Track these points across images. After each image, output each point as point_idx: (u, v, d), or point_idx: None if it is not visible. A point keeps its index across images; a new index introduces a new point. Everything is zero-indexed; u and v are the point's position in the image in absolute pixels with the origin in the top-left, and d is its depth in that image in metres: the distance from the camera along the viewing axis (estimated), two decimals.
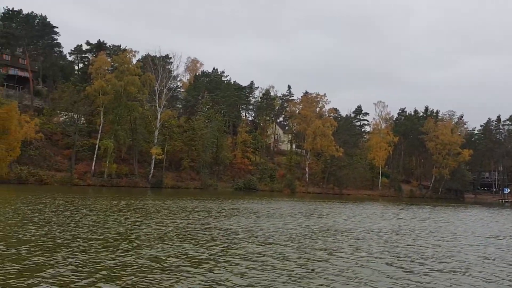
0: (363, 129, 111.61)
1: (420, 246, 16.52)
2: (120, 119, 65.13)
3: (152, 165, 67.88)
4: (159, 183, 66.75)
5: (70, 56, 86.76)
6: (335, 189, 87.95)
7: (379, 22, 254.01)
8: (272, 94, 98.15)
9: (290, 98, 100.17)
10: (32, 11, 75.37)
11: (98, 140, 62.54)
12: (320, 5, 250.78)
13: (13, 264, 10.13)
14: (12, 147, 51.91)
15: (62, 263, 10.46)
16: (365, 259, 12.78)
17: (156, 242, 14.14)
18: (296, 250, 13.74)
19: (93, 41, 78.99)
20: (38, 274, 9.27)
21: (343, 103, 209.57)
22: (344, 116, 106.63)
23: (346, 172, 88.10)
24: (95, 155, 61.74)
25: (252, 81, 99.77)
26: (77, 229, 16.15)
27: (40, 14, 76.40)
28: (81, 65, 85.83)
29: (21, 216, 19.34)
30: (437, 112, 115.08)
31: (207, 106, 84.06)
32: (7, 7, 73.75)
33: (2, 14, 70.95)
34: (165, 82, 72.63)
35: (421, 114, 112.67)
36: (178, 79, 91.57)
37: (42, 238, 13.85)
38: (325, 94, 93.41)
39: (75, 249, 12.28)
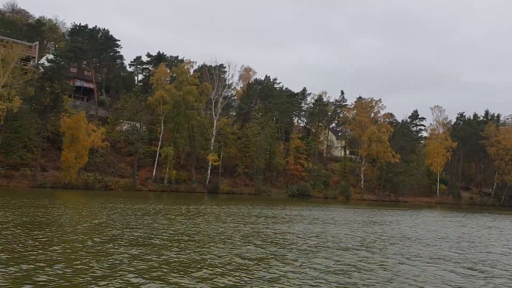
0: (419, 135, 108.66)
1: (493, 253, 16.35)
2: (179, 127, 67.63)
3: (209, 171, 69.79)
4: (215, 189, 68.46)
5: (130, 67, 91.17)
6: (391, 196, 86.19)
7: (436, 23, 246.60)
8: (324, 99, 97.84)
9: (343, 104, 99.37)
10: (96, 26, 79.93)
11: (158, 147, 65.19)
12: (372, 7, 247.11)
13: (106, 258, 11.40)
14: (80, 154, 55.11)
15: (144, 258, 11.64)
16: (443, 265, 12.97)
17: (240, 243, 15.00)
18: (374, 256, 14.10)
19: (153, 52, 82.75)
20: (126, 267, 10.43)
21: (398, 108, 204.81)
22: (400, 121, 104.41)
23: (403, 178, 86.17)
24: (156, 162, 64.39)
25: (305, 87, 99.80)
26: (152, 230, 17.35)
27: (103, 28, 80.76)
28: (140, 75, 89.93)
29: (100, 219, 20.87)
30: (498, 116, 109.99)
31: (260, 113, 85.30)
32: (74, 23, 78.93)
33: (70, 30, 75.94)
34: (220, 91, 74.67)
35: (481, 118, 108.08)
36: (232, 87, 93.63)
37: (123, 237, 15.13)
38: (380, 99, 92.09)
39: (153, 247, 13.44)
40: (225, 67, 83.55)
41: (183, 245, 14.30)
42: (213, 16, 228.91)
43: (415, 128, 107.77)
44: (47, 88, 55.97)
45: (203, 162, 71.73)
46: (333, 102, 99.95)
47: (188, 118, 68.38)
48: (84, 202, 33.86)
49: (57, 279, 9.10)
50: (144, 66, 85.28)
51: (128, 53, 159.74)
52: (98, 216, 22.37)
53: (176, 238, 15.88)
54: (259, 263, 11.79)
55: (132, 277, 9.61)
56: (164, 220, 21.76)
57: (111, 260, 11.28)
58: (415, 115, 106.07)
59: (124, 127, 71.27)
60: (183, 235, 16.84)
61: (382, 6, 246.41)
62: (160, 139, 66.32)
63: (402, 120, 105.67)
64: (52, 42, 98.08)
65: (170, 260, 11.60)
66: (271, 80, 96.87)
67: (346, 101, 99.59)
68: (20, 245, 12.69)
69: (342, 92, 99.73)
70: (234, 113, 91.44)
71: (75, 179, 55.00)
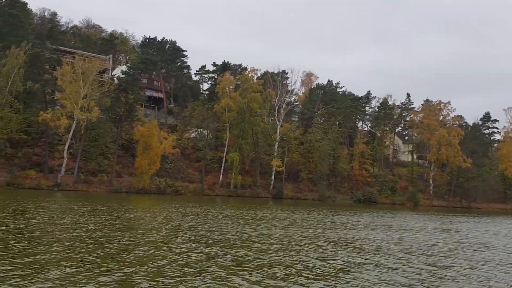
0: (492, 138, 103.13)
1: None
2: (244, 134, 69.24)
3: (273, 177, 70.60)
4: (279, 194, 69.14)
5: (195, 76, 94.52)
6: (463, 202, 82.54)
7: (506, 21, 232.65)
8: (390, 103, 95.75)
9: (409, 107, 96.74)
10: (164, 37, 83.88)
11: (224, 153, 67.09)
12: (438, 6, 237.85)
13: (194, 256, 12.25)
14: (153, 161, 57.89)
15: (228, 257, 12.40)
16: None
17: (312, 247, 15.39)
18: (459, 262, 13.98)
19: (217, 61, 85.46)
20: (214, 265, 11.20)
21: (467, 110, 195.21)
22: (471, 124, 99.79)
23: (475, 184, 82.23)
24: (222, 168, 66.25)
25: (369, 91, 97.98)
26: (229, 232, 18.09)
27: (170, 39, 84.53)
28: (205, 84, 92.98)
29: (180, 222, 21.98)
30: None
31: (323, 118, 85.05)
32: (144, 35, 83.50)
33: (140, 42, 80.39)
34: (283, 97, 75.48)
35: None
36: (294, 93, 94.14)
37: (204, 238, 16.00)
38: (449, 101, 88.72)
39: (233, 247, 14.14)
40: (287, 73, 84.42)
41: (264, 247, 14.89)
42: (271, 22, 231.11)
43: (487, 131, 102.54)
44: (122, 98, 59.55)
45: (267, 168, 72.73)
46: (398, 105, 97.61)
47: (252, 125, 69.83)
48: (160, 206, 35.58)
49: (156, 274, 10.06)
50: (210, 75, 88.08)
51: (191, 62, 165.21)
52: (176, 219, 23.60)
53: (254, 240, 16.55)
54: (347, 267, 12.09)
55: (223, 273, 10.34)
56: (239, 223, 22.58)
57: (199, 258, 12.15)
58: (487, 117, 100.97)
59: (192, 134, 74.02)
60: (261, 237, 17.48)
61: (446, 5, 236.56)
62: (226, 145, 68.19)
63: (473, 123, 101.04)
64: (123, 54, 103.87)
65: (255, 260, 12.26)
66: (334, 85, 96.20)
67: (412, 104, 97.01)
68: (120, 244, 13.91)
69: (408, 95, 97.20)
70: (296, 119, 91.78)
71: (148, 185, 57.79)
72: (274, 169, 69.88)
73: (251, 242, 15.85)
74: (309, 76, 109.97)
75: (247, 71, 76.31)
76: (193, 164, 69.43)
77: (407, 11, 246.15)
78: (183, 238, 16.28)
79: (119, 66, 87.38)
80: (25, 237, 14.21)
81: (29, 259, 10.69)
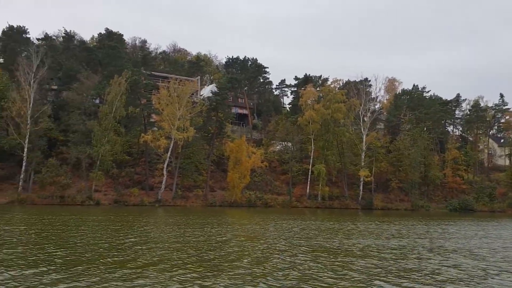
0: None
1: None
2: (329, 145, 69.36)
3: (361, 187, 69.65)
4: (369, 205, 68.00)
5: (275, 90, 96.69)
6: None
7: None
8: (482, 104, 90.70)
9: (503, 108, 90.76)
10: (245, 56, 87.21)
11: (310, 165, 67.69)
12: None
13: (337, 269, 12.99)
14: (243, 175, 60.27)
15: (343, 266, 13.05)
16: None
17: (434, 255, 15.68)
18: None
19: (299, 75, 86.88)
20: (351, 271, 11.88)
21: None
22: None
23: None
24: (308, 179, 66.88)
25: (458, 93, 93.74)
26: (344, 243, 18.76)
27: (252, 57, 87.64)
28: (285, 97, 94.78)
29: (289, 232, 23.05)
30: None
31: (410, 125, 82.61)
32: (227, 56, 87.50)
33: (224, 63, 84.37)
34: (367, 105, 74.56)
35: None
36: (378, 100, 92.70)
37: (307, 248, 16.78)
38: None
39: (358, 257, 14.73)
40: (369, 80, 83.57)
41: (383, 255, 15.65)
42: (343, 29, 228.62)
43: None
44: (213, 117, 62.90)
45: (353, 178, 71.92)
46: (491, 106, 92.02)
47: (337, 135, 69.80)
48: (258, 218, 36.90)
49: (282, 277, 11.19)
50: (292, 89, 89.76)
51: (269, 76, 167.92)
52: (279, 230, 24.89)
53: (370, 249, 17.18)
54: (479, 274, 12.44)
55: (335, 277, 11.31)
56: (345, 234, 23.25)
57: (344, 272, 12.95)
58: None
59: (277, 147, 75.63)
60: (376, 246, 18.03)
61: None
62: (311, 157, 68.72)
63: None
64: (207, 75, 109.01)
65: (398, 268, 13.12)
66: (420, 89, 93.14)
67: (506, 105, 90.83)
68: (234, 251, 15.38)
69: (502, 95, 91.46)
70: (382, 127, 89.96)
71: (239, 198, 60.12)
72: (362, 179, 69.00)
73: (371, 251, 16.54)
74: (392, 82, 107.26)
75: (329, 82, 76.69)
76: (279, 177, 70.85)
77: (486, 6, 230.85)
78: (292, 246, 17.48)
79: (205, 86, 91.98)
80: (150, 247, 16.32)
81: (160, 266, 12.48)
